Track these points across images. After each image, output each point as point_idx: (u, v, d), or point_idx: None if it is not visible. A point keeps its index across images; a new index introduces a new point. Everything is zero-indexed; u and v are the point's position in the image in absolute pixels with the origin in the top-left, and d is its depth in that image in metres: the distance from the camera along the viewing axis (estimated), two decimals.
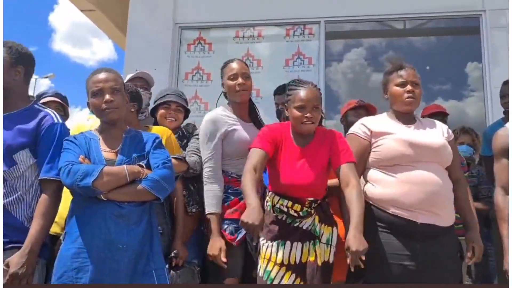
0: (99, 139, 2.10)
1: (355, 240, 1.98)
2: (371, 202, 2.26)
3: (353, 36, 4.96)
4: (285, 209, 2.24)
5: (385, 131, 2.30)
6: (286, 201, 2.24)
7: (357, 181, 2.18)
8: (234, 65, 2.59)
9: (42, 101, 3.28)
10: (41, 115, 2.09)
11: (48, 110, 2.16)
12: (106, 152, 2.05)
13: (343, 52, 4.91)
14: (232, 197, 2.43)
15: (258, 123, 2.64)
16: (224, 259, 2.32)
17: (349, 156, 2.25)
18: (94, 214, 1.93)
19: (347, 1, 4.68)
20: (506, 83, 3.32)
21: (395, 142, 2.23)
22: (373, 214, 2.23)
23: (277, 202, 2.26)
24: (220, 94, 2.69)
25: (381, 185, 2.24)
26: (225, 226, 2.40)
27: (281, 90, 3.32)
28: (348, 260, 1.99)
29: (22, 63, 2.12)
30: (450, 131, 2.41)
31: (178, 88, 4.85)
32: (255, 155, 2.20)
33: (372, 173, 2.31)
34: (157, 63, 4.73)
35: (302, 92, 2.25)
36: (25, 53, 2.15)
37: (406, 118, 2.37)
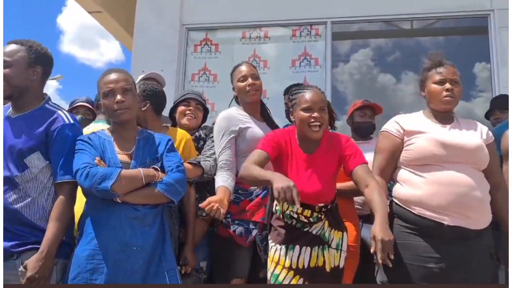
0: (113, 140, 2.10)
1: (381, 229, 1.93)
2: (398, 202, 2.22)
3: (360, 36, 4.94)
4: (295, 216, 2.23)
5: (418, 130, 2.23)
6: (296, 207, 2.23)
7: (374, 180, 2.15)
8: (243, 67, 2.65)
9: (74, 105, 3.59)
10: (51, 116, 2.06)
11: (59, 111, 2.12)
12: (121, 154, 2.06)
13: (350, 53, 4.89)
14: (243, 198, 2.44)
15: (271, 122, 2.69)
16: (223, 210, 2.26)
17: (361, 158, 2.23)
18: (110, 216, 1.95)
19: (354, 2, 4.66)
20: None
21: (426, 141, 2.16)
22: (399, 214, 2.19)
23: (287, 209, 2.24)
24: (232, 100, 2.73)
25: (409, 185, 2.19)
26: (235, 227, 2.40)
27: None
28: (372, 249, 1.93)
29: (40, 63, 2.10)
30: (490, 133, 2.29)
31: (185, 89, 4.87)
32: (255, 154, 2.20)
33: (402, 173, 2.25)
34: (164, 64, 4.74)
35: (307, 94, 2.23)
36: (45, 53, 2.13)
37: (443, 117, 2.28)
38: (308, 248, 2.20)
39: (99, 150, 2.04)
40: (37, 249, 1.91)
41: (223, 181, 2.42)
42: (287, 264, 2.18)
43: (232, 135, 2.51)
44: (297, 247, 2.20)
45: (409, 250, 2.10)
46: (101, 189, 1.90)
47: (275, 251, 2.23)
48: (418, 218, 2.12)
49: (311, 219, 2.22)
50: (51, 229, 1.94)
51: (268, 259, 2.25)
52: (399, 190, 2.24)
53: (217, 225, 2.46)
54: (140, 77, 3.38)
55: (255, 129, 2.55)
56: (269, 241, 2.29)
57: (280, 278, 2.18)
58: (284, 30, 4.89)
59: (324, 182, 2.23)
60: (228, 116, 2.57)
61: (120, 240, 1.92)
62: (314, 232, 2.23)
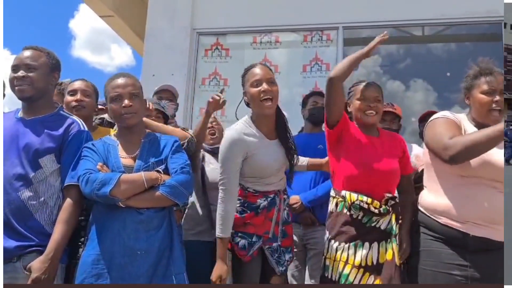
0: (118, 145, 2.10)
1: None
2: (423, 211, 2.18)
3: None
4: (366, 206, 2.16)
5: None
6: (365, 197, 2.17)
7: (413, 191, 2.38)
8: (257, 70, 2.30)
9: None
10: (68, 121, 2.12)
11: (75, 117, 2.18)
12: (124, 158, 2.05)
13: None
14: (248, 211, 2.30)
15: (285, 139, 2.38)
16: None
17: (411, 167, 2.45)
18: (114, 221, 1.93)
19: (365, 7, 4.64)
20: None
21: None
22: (424, 223, 2.16)
23: (356, 199, 2.17)
24: (239, 103, 2.43)
25: (437, 194, 2.14)
26: (238, 239, 2.29)
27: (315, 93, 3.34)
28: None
29: (57, 70, 2.19)
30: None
31: (196, 93, 4.88)
32: None
33: (432, 180, 2.19)
34: (175, 68, 4.76)
35: (363, 85, 2.33)
36: (59, 61, 2.21)
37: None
38: (376, 244, 2.17)
39: (102, 156, 2.04)
40: (39, 251, 1.91)
41: (222, 229, 2.21)
42: (357, 262, 2.14)
43: (237, 161, 2.24)
44: (366, 244, 2.16)
45: (433, 257, 2.07)
46: (101, 195, 1.89)
47: (342, 250, 2.18)
48: (443, 227, 2.08)
49: (381, 209, 2.17)
50: (58, 231, 1.94)
51: (330, 259, 2.21)
52: (426, 198, 2.20)
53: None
54: (156, 89, 3.36)
55: (263, 156, 2.28)
56: (331, 242, 2.23)
57: (351, 278, 2.14)
58: (295, 35, 4.89)
59: (395, 162, 2.28)
60: (236, 141, 2.25)
61: (124, 244, 1.90)
62: (382, 228, 2.19)
